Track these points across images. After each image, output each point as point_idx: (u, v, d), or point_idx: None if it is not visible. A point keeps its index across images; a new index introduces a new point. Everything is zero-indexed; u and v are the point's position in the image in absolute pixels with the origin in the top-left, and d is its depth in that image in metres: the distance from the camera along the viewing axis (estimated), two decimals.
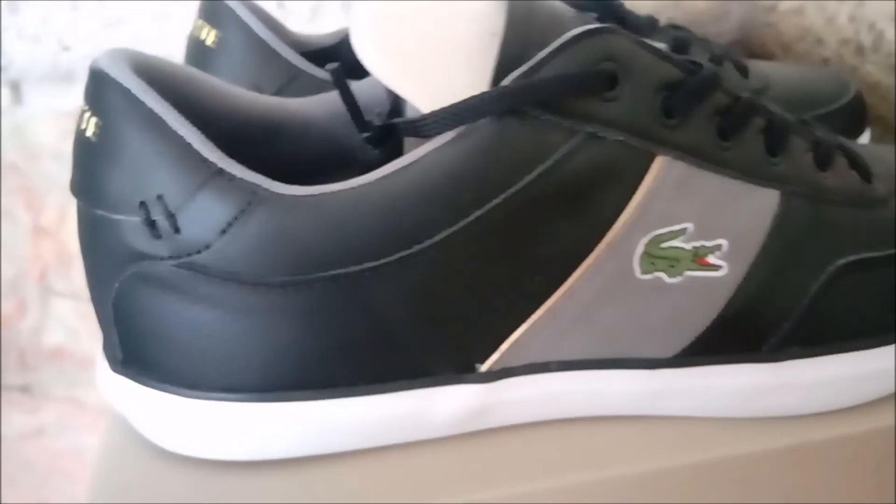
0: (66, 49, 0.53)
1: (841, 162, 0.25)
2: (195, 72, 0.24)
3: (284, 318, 0.20)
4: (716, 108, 0.22)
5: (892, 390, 0.24)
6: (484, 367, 0.22)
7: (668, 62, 0.22)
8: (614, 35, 0.21)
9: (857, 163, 0.25)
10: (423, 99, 0.20)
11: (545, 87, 0.20)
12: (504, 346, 0.22)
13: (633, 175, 0.21)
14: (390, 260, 0.20)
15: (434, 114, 0.20)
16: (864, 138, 0.39)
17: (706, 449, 0.23)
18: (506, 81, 0.20)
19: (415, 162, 0.20)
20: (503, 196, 0.20)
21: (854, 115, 0.38)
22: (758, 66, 0.37)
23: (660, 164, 0.21)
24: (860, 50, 0.43)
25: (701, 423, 0.24)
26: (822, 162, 0.24)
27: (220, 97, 0.24)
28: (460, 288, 0.21)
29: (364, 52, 0.20)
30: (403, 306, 0.21)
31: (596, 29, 0.21)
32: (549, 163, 0.20)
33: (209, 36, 0.28)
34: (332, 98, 0.25)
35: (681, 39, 0.34)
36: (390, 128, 0.22)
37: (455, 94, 0.20)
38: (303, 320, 0.20)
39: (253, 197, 0.19)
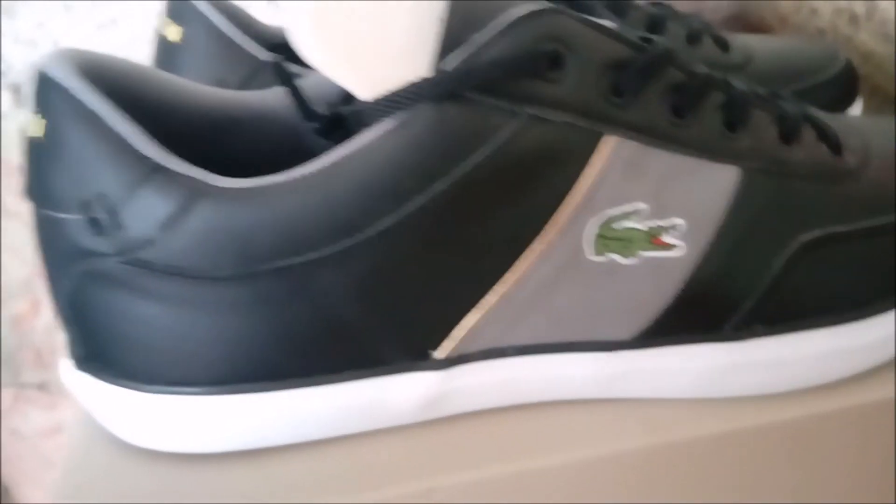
0: None
1: (809, 135, 0.24)
2: (149, 69, 0.24)
3: (232, 311, 0.20)
4: (669, 85, 0.22)
5: (861, 368, 0.24)
6: (438, 355, 0.22)
7: (617, 40, 0.21)
8: (557, 15, 0.21)
9: (826, 135, 0.25)
10: (363, 87, 0.20)
11: (484, 71, 0.20)
12: (457, 333, 0.22)
13: (580, 156, 0.21)
14: (334, 250, 0.20)
15: (374, 101, 0.20)
16: (857, 108, 0.38)
17: (669, 431, 0.23)
18: (444, 66, 0.20)
19: (355, 151, 0.20)
20: (445, 182, 0.20)
21: (844, 85, 0.37)
22: (740, 40, 0.36)
23: (609, 144, 0.21)
24: (854, 19, 0.42)
25: (664, 405, 0.23)
26: (788, 135, 0.24)
27: (176, 93, 0.24)
28: (407, 275, 0.21)
29: (302, 41, 0.20)
30: (351, 296, 0.21)
31: (538, 10, 0.20)
32: (490, 147, 0.20)
33: (174, 32, 0.29)
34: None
35: (656, 17, 0.33)
36: (337, 117, 0.22)
37: (397, 81, 0.20)
38: (250, 313, 0.20)
39: (193, 192, 0.20)
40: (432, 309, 0.21)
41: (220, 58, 0.28)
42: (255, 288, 0.20)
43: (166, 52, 0.29)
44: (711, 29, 0.35)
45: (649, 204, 0.21)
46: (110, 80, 0.22)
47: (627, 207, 0.21)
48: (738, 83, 0.24)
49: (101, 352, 0.22)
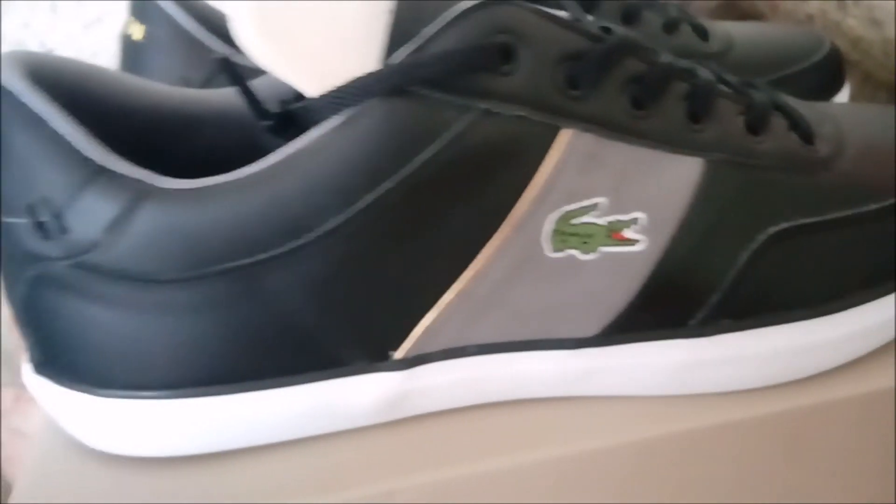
0: (48, 52, 0.53)
1: (779, 124, 0.24)
2: (105, 70, 0.24)
3: (181, 314, 0.20)
4: (628, 76, 0.21)
5: (835, 363, 0.23)
6: (398, 355, 0.22)
7: (572, 31, 0.21)
8: (508, 6, 0.20)
9: (797, 124, 0.24)
10: (309, 83, 0.20)
11: (432, 65, 0.19)
12: (416, 332, 0.21)
13: (535, 150, 0.20)
14: (283, 250, 0.20)
15: (321, 97, 0.19)
16: (844, 95, 0.37)
17: (636, 428, 0.22)
18: (392, 60, 0.19)
19: (301, 149, 0.19)
20: (394, 180, 0.19)
21: (829, 71, 0.36)
22: (720, 28, 0.35)
23: (565, 137, 0.20)
24: (842, 4, 0.41)
25: (630, 402, 0.23)
26: (755, 125, 0.23)
27: (133, 93, 0.24)
28: (361, 275, 0.20)
29: (244, 36, 0.19)
30: (302, 297, 0.20)
31: (487, 1, 0.20)
32: (441, 143, 0.19)
33: (137, 31, 0.28)
34: (252, 87, 0.25)
35: (631, 6, 0.32)
36: (288, 114, 0.21)
37: (344, 77, 0.20)
38: (200, 316, 0.20)
39: (137, 193, 0.19)
40: (389, 309, 0.21)
41: (183, 56, 0.28)
42: (204, 290, 0.20)
43: (131, 52, 0.29)
44: (690, 17, 0.34)
45: (609, 198, 0.21)
46: (64, 82, 0.22)
47: (586, 202, 0.21)
48: (705, 72, 0.23)
49: (57, 356, 0.22)
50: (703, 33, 0.34)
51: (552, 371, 0.23)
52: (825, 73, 0.36)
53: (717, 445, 0.23)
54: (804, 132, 0.24)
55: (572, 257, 0.21)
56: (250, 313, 0.20)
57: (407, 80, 0.19)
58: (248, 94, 0.21)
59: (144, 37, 0.28)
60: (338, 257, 0.20)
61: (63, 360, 0.21)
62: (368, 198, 0.19)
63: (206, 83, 0.28)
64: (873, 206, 0.24)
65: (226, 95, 0.25)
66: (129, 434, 0.22)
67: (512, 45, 0.20)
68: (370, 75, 0.19)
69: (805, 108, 0.26)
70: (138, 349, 0.20)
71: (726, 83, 0.24)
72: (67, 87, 0.22)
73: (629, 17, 0.32)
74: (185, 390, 0.21)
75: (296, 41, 0.20)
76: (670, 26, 0.33)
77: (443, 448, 0.22)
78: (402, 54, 0.19)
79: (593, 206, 0.21)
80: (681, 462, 0.23)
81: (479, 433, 0.22)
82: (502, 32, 0.20)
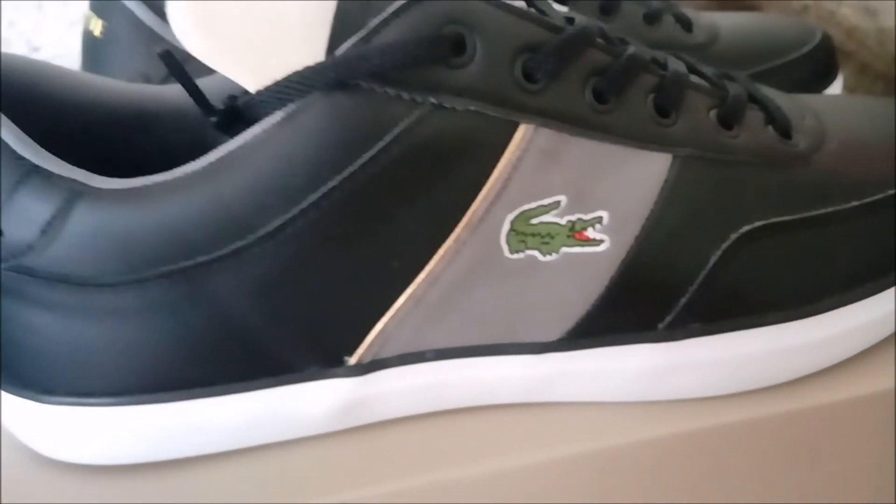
0: (35, 50, 0.53)
1: (754, 118, 0.23)
2: (58, 68, 0.23)
3: (122, 319, 0.19)
4: (590, 68, 0.20)
5: (812, 369, 0.22)
6: (353, 360, 0.21)
7: (529, 21, 0.20)
8: None
9: (774, 117, 0.23)
10: (250, 76, 0.19)
11: (378, 57, 0.18)
12: (370, 337, 0.21)
13: (491, 147, 0.19)
14: (225, 252, 0.19)
15: (261, 91, 0.19)
16: (837, 87, 0.36)
17: (605, 436, 0.22)
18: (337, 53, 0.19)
19: (242, 146, 0.19)
20: (339, 178, 0.19)
21: (820, 62, 0.35)
22: (706, 19, 0.34)
23: (523, 133, 0.19)
24: None
25: (598, 409, 0.22)
26: (729, 119, 0.22)
27: (87, 91, 0.23)
28: (308, 277, 0.20)
29: (181, 29, 0.19)
30: (248, 300, 0.19)
31: None
32: (387, 139, 0.19)
33: (96, 26, 0.28)
34: (208, 83, 0.24)
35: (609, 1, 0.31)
36: (235, 110, 0.20)
37: (287, 71, 0.19)
38: (142, 321, 0.19)
39: (71, 194, 0.18)
40: (341, 312, 0.20)
41: (143, 52, 0.27)
42: (143, 294, 0.19)
43: (91, 48, 0.28)
44: (674, 7, 0.33)
45: (570, 196, 0.20)
46: (15, 80, 0.21)
47: (546, 201, 0.20)
48: (675, 63, 0.22)
49: (5, 362, 0.21)
50: (686, 24, 0.33)
51: (516, 376, 0.22)
52: (816, 63, 0.35)
53: (708, 448, 0.22)
54: (781, 126, 0.23)
55: (532, 258, 0.20)
56: (194, 318, 0.19)
57: (351, 74, 0.18)
58: (192, 88, 0.21)
59: (103, 32, 0.27)
60: (284, 259, 0.19)
61: (10, 366, 0.21)
62: (312, 197, 0.19)
63: (167, 79, 0.27)
64: (854, 203, 0.22)
65: (181, 91, 0.25)
66: (75, 441, 0.21)
67: (464, 36, 0.19)
68: (311, 68, 0.18)
69: (785, 101, 0.25)
70: (80, 355, 0.20)
71: (700, 75, 0.23)
72: (19, 85, 0.21)
73: (608, 9, 0.31)
74: (131, 397, 0.20)
75: (234, 33, 0.19)
76: (652, 17, 0.32)
77: (405, 457, 0.21)
78: (344, 47, 0.19)
79: (554, 205, 0.20)
80: (672, 466, 0.22)
81: (441, 441, 0.22)
82: (453, 23, 0.19)
